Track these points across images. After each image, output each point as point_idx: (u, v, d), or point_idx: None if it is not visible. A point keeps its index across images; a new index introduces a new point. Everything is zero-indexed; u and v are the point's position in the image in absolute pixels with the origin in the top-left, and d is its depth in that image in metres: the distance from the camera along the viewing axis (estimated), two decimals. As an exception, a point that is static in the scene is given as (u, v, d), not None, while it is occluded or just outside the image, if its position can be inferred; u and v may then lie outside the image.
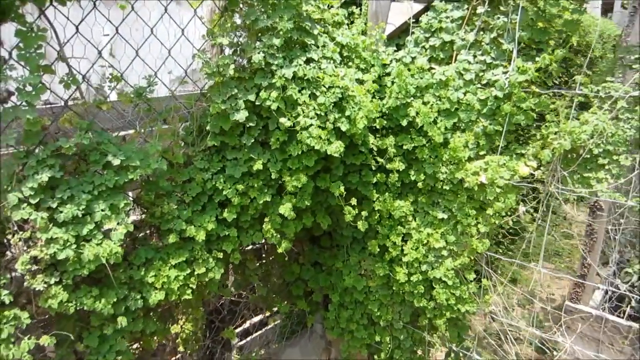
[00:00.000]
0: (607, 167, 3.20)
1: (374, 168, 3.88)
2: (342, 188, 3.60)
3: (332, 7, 3.86)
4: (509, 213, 3.73)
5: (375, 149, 3.85)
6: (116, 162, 2.86)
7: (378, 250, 4.04)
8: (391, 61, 3.94)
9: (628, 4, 4.26)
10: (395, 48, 4.01)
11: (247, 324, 5.13)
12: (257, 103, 3.21)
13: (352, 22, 4.05)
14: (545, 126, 3.47)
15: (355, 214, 3.68)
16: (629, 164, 3.07)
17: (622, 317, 4.59)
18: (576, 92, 3.28)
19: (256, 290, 4.30)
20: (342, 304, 4.41)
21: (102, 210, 2.84)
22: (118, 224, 2.87)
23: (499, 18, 3.56)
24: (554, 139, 3.35)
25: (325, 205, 3.91)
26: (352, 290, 4.29)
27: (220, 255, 3.47)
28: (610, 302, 4.89)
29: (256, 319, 5.11)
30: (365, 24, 4.02)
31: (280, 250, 3.72)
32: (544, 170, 3.43)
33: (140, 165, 2.93)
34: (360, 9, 4.09)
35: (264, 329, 5.20)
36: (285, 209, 3.44)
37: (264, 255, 4.51)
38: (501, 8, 3.60)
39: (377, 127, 3.82)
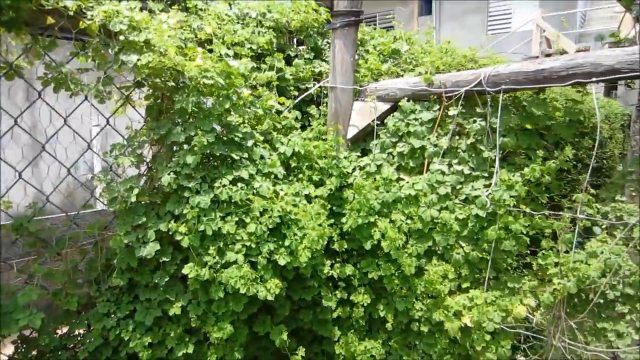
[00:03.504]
0: (629, 317, 2.32)
1: (331, 305, 3.03)
2: (284, 335, 2.75)
3: (284, 109, 3.22)
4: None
5: (335, 276, 3.03)
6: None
7: (342, 404, 3.10)
8: (354, 169, 3.21)
9: (633, 82, 3.48)
10: (359, 154, 3.29)
11: None
12: (170, 233, 2.47)
13: (308, 125, 3.38)
14: (543, 254, 2.64)
15: None
16: (659, 319, 2.20)
17: None
18: (578, 215, 2.47)
19: None
20: None
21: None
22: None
23: (475, 121, 2.85)
24: (554, 275, 2.50)
25: (272, 350, 3.04)
26: None
27: None
28: None
29: None
30: (325, 125, 3.35)
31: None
32: (545, 314, 2.55)
33: None
34: (319, 109, 3.44)
35: None
36: (208, 368, 2.59)
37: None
38: (477, 110, 2.89)
39: (337, 249, 3.03)
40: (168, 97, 2.53)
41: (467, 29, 13.07)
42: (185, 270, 2.41)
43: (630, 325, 2.31)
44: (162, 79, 2.47)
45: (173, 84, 2.50)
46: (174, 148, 2.54)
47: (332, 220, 3.07)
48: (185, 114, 2.51)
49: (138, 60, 2.23)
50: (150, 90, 2.62)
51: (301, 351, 2.78)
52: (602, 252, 2.38)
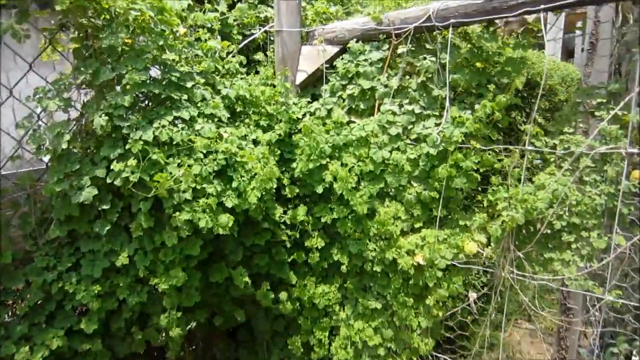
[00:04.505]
0: (574, 245, 2.28)
1: (289, 245, 2.94)
2: (246, 277, 2.65)
3: (229, 53, 3.01)
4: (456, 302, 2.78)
5: (288, 222, 2.91)
6: None
7: (301, 349, 3.03)
8: (304, 115, 3.05)
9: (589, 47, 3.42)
10: (309, 99, 3.13)
11: None
12: (108, 181, 2.28)
13: (256, 73, 3.17)
14: (493, 190, 2.57)
15: (271, 298, 2.74)
16: (604, 246, 2.16)
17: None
18: (526, 147, 2.40)
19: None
20: (267, 414, 3.36)
21: None
22: None
23: (424, 58, 2.71)
24: (503, 208, 2.44)
25: (228, 297, 2.93)
26: (275, 398, 3.25)
27: (74, 380, 2.47)
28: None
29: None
30: (274, 73, 3.16)
31: (169, 356, 2.72)
32: (495, 248, 2.51)
33: None
34: (266, 55, 3.23)
35: None
36: (166, 318, 2.47)
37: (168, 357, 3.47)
38: (427, 46, 2.75)
39: (289, 195, 2.90)
40: (95, 36, 2.29)
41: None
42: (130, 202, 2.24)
43: (576, 253, 2.28)
44: (87, 17, 2.22)
45: (100, 22, 2.26)
46: (105, 91, 2.31)
47: (283, 168, 2.93)
48: (115, 53, 2.28)
49: (54, -12, 1.98)
50: (76, 32, 2.37)
51: (266, 285, 2.69)
52: (549, 184, 2.32)
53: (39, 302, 2.42)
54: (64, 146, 2.17)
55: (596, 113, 2.27)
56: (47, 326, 2.42)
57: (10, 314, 2.42)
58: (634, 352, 3.95)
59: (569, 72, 7.53)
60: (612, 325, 3.89)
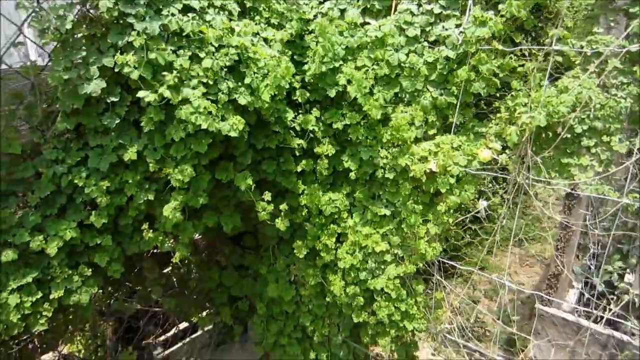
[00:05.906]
0: (593, 150, 2.24)
1: (297, 153, 2.89)
2: (249, 180, 2.61)
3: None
4: (466, 209, 2.78)
5: (297, 128, 2.85)
6: None
7: (305, 253, 3.07)
8: (315, 16, 2.89)
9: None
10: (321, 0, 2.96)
11: (172, 332, 4.20)
12: (117, 70, 2.18)
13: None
14: (512, 96, 2.49)
15: (271, 211, 2.71)
16: (625, 150, 2.12)
17: (600, 323, 3.71)
18: (552, 47, 2.29)
19: (162, 304, 3.34)
20: (271, 315, 3.47)
21: None
22: None
23: (450, -49, 2.53)
24: (523, 113, 2.37)
25: (235, 202, 2.92)
26: (280, 300, 3.34)
27: (89, 271, 2.49)
28: (587, 305, 4.02)
29: (184, 324, 4.19)
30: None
31: (175, 260, 2.75)
32: (511, 155, 2.47)
33: None
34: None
35: (192, 336, 4.28)
36: (170, 209, 2.45)
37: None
38: (453, -62, 2.56)
39: (299, 100, 2.81)
40: None
41: None
42: (141, 93, 2.16)
43: (595, 158, 2.25)
44: None
45: None
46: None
47: (294, 71, 2.82)
48: None
49: None
50: None
51: (267, 196, 2.66)
52: (573, 87, 2.24)
53: (49, 195, 2.39)
54: (68, 27, 2.04)
55: (631, 10, 2.15)
56: (59, 218, 2.41)
57: (21, 205, 2.40)
58: (628, 270, 4.07)
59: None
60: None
